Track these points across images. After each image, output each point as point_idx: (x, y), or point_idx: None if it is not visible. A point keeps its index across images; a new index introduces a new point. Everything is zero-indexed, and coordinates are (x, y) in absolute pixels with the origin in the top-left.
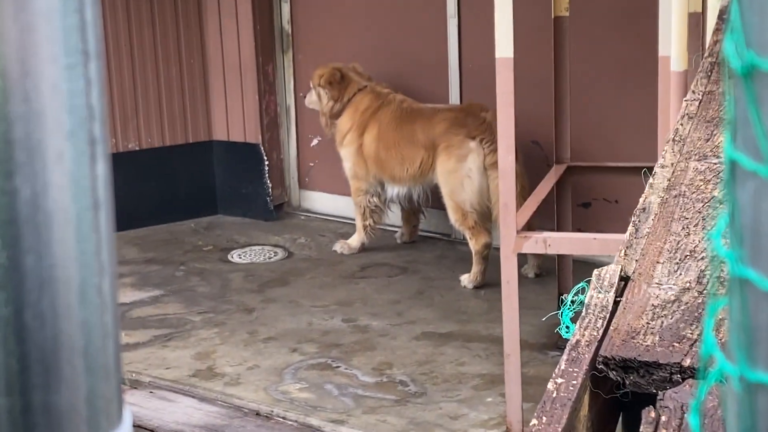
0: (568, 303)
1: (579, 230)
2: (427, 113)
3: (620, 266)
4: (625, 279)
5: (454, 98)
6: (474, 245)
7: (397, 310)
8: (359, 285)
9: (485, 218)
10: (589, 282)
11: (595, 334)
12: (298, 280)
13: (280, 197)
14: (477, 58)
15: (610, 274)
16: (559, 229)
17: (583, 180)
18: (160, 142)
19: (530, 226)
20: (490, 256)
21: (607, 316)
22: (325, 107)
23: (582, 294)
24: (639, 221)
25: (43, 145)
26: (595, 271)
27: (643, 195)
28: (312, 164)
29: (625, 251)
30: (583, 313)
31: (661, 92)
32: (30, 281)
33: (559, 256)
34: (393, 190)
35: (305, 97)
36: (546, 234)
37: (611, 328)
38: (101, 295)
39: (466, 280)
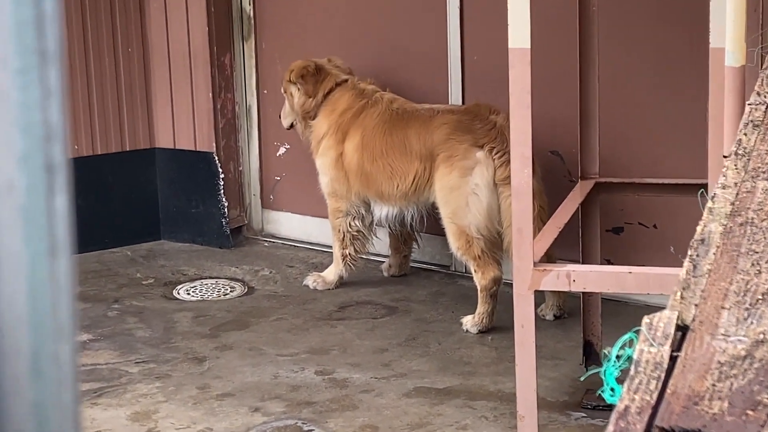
0: (613, 359)
1: (608, 261)
2: (423, 116)
3: (676, 312)
4: (682, 328)
5: (455, 97)
6: (480, 280)
7: (384, 360)
8: (337, 329)
9: (494, 246)
10: (637, 332)
11: (648, 398)
12: (261, 323)
13: (239, 219)
14: (484, 49)
15: (664, 322)
16: (584, 260)
17: (615, 199)
18: (89, 150)
19: (549, 256)
20: (500, 294)
21: (662, 375)
22: (297, 105)
23: (629, 347)
24: (697, 255)
25: None
26: (646, 319)
27: (701, 222)
28: (278, 178)
29: (682, 293)
30: (631, 372)
31: (712, 92)
32: None
33: (584, 293)
34: (381, 211)
35: (280, 115)
36: (570, 267)
37: (668, 391)
38: (59, 366)
39: (470, 323)
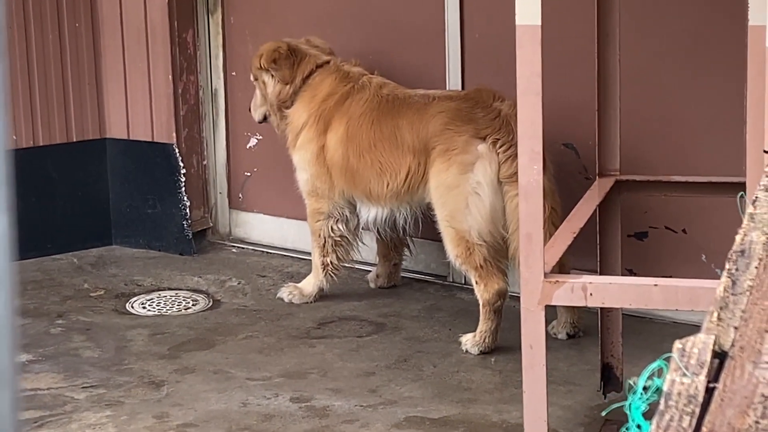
0: (639, 390)
1: (630, 272)
2: (416, 104)
3: (713, 336)
4: (720, 355)
5: (453, 81)
6: (482, 293)
7: (371, 386)
8: (316, 348)
9: (499, 254)
10: (668, 359)
11: None
12: (228, 341)
13: (202, 221)
14: (487, 25)
15: (698, 348)
16: (603, 270)
17: (638, 200)
18: (29, 140)
19: (562, 265)
20: (505, 309)
21: (697, 410)
22: (271, 95)
23: (658, 377)
24: (737, 269)
25: None
26: (677, 344)
27: (741, 231)
28: (248, 174)
29: (719, 314)
30: (661, 406)
31: (751, 77)
32: None
33: (603, 309)
34: (369, 213)
35: (250, 108)
36: (586, 278)
37: (704, 429)
38: None
39: (470, 342)
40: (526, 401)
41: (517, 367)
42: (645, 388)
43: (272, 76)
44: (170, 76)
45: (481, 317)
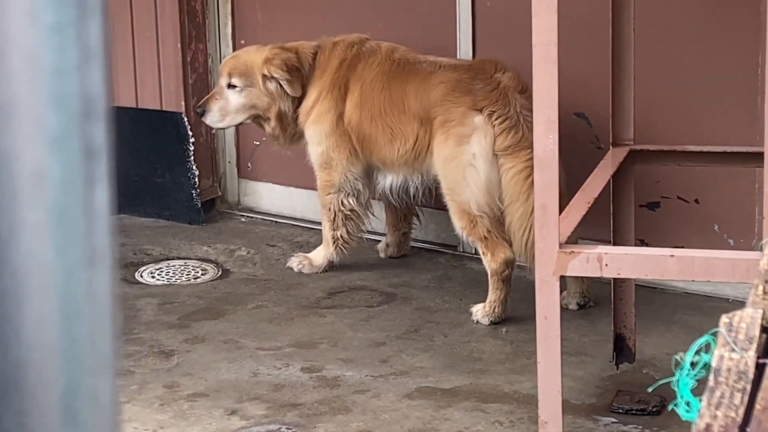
0: (687, 366)
1: (642, 242)
2: (423, 71)
3: (760, 311)
4: None
5: (464, 51)
6: (489, 263)
7: (381, 356)
8: (326, 318)
9: (502, 225)
10: (715, 334)
11: (733, 415)
12: (238, 311)
13: (211, 190)
14: None
15: (746, 322)
16: (616, 240)
17: (650, 170)
18: None
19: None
20: (514, 279)
21: (748, 387)
22: (285, 106)
23: (706, 352)
24: None
25: (12, 160)
26: (724, 318)
27: None
28: (257, 143)
29: (764, 287)
30: (710, 383)
31: None
32: None
33: (616, 279)
34: (385, 180)
35: (206, 110)
36: (602, 248)
37: (757, 406)
38: (98, 406)
39: (480, 312)
40: (540, 373)
41: (528, 337)
42: (693, 364)
43: (280, 85)
44: (179, 44)
45: (490, 287)
